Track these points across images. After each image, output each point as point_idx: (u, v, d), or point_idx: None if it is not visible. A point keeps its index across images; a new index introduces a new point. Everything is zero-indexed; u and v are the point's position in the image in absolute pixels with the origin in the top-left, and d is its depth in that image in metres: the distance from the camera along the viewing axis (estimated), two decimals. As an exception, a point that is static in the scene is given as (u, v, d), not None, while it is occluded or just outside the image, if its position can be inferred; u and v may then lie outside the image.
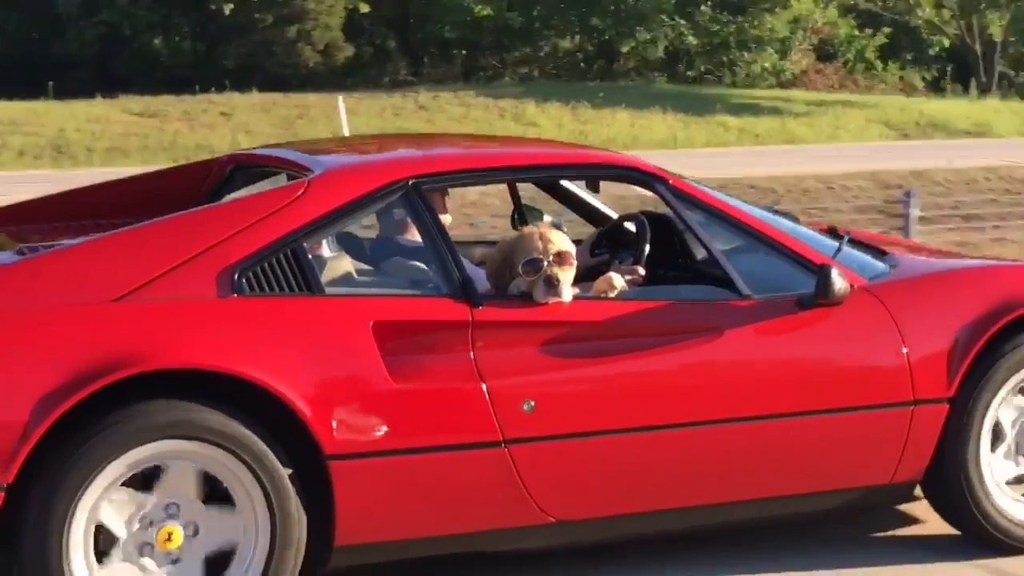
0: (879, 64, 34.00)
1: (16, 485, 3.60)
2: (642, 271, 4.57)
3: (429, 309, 4.03)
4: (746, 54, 30.84)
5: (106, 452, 3.66)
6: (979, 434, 4.45)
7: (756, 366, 4.24)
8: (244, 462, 3.78)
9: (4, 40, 27.12)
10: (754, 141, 22.44)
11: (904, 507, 4.86)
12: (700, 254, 4.61)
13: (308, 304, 3.95)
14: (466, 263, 4.24)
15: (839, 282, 4.25)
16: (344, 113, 6.87)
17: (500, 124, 21.89)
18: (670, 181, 4.45)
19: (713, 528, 4.47)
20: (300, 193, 4.08)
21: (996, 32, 32.93)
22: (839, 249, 4.57)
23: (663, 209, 4.67)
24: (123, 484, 3.73)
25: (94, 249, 3.94)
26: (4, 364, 3.65)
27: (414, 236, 4.42)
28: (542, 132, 21.35)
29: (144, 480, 3.78)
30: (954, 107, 26.32)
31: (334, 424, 3.83)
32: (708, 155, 19.82)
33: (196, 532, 3.82)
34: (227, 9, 26.91)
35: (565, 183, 5.37)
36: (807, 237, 4.60)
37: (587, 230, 5.36)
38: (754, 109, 24.88)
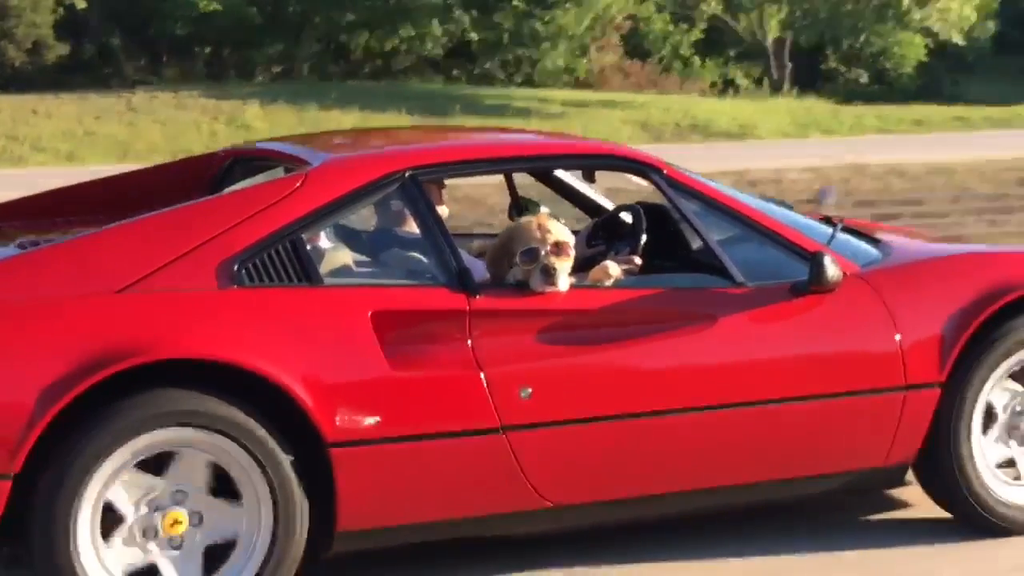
0: (697, 61, 32.26)
1: (24, 475, 3.73)
2: (638, 261, 4.69)
3: (427, 299, 4.15)
4: (527, 51, 28.80)
5: (110, 441, 3.79)
6: (971, 418, 4.58)
7: (750, 352, 4.36)
8: (247, 449, 3.90)
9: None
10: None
11: (895, 491, 4.98)
12: (695, 243, 4.71)
13: (307, 295, 4.06)
14: (463, 254, 4.35)
15: (832, 269, 4.38)
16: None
17: (209, 126, 21.05)
18: (665, 171, 4.56)
19: (708, 512, 4.59)
20: (298, 185, 4.19)
21: (774, 29, 31.18)
22: (832, 236, 4.70)
23: (659, 199, 4.80)
24: (135, 467, 3.87)
25: (96, 242, 4.05)
26: (8, 356, 3.77)
27: (411, 227, 4.52)
28: (253, 134, 20.36)
29: (156, 465, 3.92)
30: (726, 107, 25.27)
31: (334, 412, 3.95)
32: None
33: (200, 521, 3.95)
34: None
35: (561, 174, 5.48)
36: (801, 225, 4.72)
37: (584, 221, 5.51)
38: (504, 110, 23.77)
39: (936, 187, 15.81)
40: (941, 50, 32.75)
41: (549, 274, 4.26)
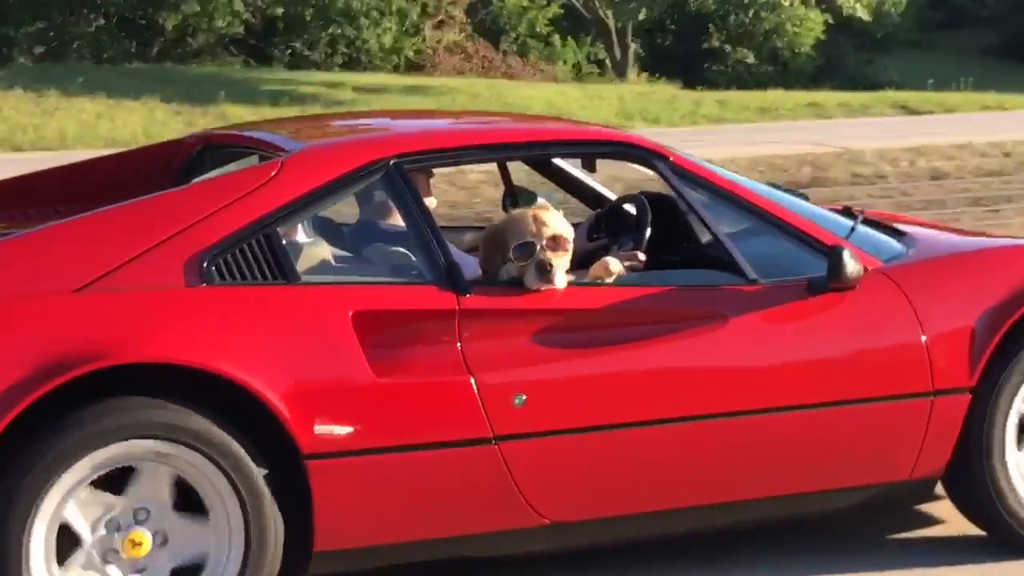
0: (558, 41, 30.98)
1: None
2: (643, 256, 4.58)
3: (413, 298, 4.04)
4: (341, 30, 27.34)
5: (66, 454, 3.66)
6: (1004, 426, 4.44)
7: (764, 356, 4.24)
8: (215, 463, 3.78)
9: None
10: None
11: (924, 506, 4.86)
12: (704, 237, 4.62)
13: (283, 293, 3.95)
14: (453, 249, 4.24)
15: (852, 264, 4.25)
16: None
17: None
18: (671, 159, 4.45)
19: (719, 529, 4.47)
20: (273, 174, 4.08)
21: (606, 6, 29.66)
22: (852, 229, 4.59)
23: (665, 189, 4.69)
24: (92, 484, 3.73)
25: (53, 236, 3.94)
26: None
27: (396, 220, 4.42)
28: None
29: (115, 481, 3.77)
30: (546, 94, 24.37)
31: (312, 421, 3.83)
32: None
33: (165, 542, 3.82)
34: None
35: (559, 162, 5.37)
36: (818, 217, 4.60)
37: (584, 213, 5.37)
38: (281, 97, 22.46)
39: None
40: (843, 27, 32.06)
41: (545, 270, 4.14)
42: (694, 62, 31.47)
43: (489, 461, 4.00)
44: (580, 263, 4.45)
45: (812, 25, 31.44)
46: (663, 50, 32.54)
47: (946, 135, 17.30)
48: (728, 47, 32.32)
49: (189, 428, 3.75)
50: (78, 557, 3.76)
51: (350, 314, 3.93)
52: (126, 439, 3.72)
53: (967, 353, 4.38)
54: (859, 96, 24.96)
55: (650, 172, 4.54)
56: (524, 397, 4.01)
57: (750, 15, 30.81)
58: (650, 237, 4.66)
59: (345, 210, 4.59)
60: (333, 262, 4.30)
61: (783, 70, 31.52)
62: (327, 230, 4.45)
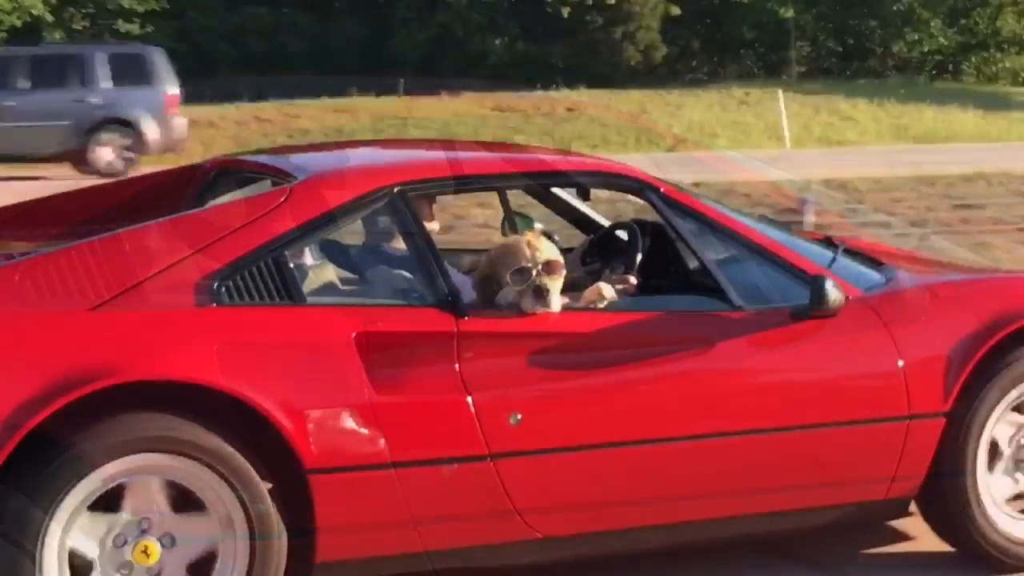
0: None
1: None
2: (634, 280, 4.53)
3: (414, 320, 3.98)
4: (999, 54, 32.71)
5: (81, 466, 3.60)
6: (976, 449, 4.39)
7: (749, 379, 4.19)
8: (223, 476, 3.72)
9: (337, 39, 28.22)
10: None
11: (897, 523, 4.79)
12: (692, 264, 4.56)
13: (290, 314, 3.89)
14: (453, 272, 4.19)
15: (834, 293, 4.20)
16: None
17: (816, 117, 23.46)
18: (661, 189, 4.40)
19: (703, 545, 4.40)
20: (282, 200, 4.02)
21: None
22: (834, 259, 4.54)
23: (655, 217, 4.63)
24: (89, 509, 3.66)
25: (70, 256, 3.87)
26: None
27: (399, 244, 4.36)
28: (863, 126, 23.45)
29: (108, 503, 3.70)
30: None
31: (315, 438, 3.77)
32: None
33: (173, 542, 3.75)
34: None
35: (555, 191, 5.31)
36: (801, 247, 4.55)
37: (578, 239, 5.32)
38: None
39: None
40: None
41: (541, 294, 4.08)
42: None
43: (485, 477, 3.93)
44: (573, 285, 4.39)
45: None
46: None
47: None
48: None
49: (198, 442, 3.69)
50: (105, 518, 3.67)
51: (353, 335, 3.87)
52: (136, 453, 3.65)
53: (942, 380, 4.32)
54: None
55: (641, 201, 4.49)
56: (519, 416, 3.95)
57: None
58: (641, 263, 4.61)
59: (351, 234, 4.55)
60: (338, 284, 4.24)
61: None
62: (333, 253, 4.40)
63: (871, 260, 4.86)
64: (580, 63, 29.22)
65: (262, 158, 4.83)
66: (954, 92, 27.47)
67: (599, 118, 22.84)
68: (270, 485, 3.77)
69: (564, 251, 4.44)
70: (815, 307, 4.21)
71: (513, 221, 5.25)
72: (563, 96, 25.56)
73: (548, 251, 4.19)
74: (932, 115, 24.46)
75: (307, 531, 3.82)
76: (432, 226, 4.52)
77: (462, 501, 3.95)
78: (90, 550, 3.68)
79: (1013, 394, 4.44)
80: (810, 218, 10.66)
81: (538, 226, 5.07)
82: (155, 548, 3.73)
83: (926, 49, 32.46)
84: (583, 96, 25.72)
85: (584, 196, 5.08)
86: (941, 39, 32.33)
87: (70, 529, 3.63)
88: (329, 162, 4.65)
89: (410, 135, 21.16)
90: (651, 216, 4.75)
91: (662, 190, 4.39)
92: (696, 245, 4.35)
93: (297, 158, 4.68)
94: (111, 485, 3.67)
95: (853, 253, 4.85)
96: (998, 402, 4.40)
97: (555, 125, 22.90)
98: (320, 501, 3.78)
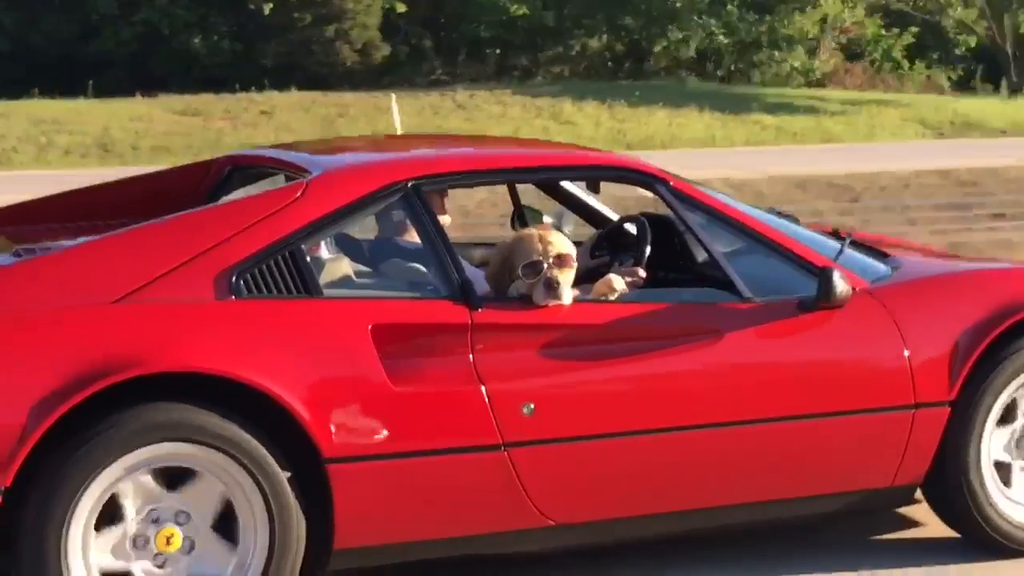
0: (906, 64, 33.80)
1: (14, 489, 3.58)
2: (643, 273, 4.55)
3: (428, 312, 4.01)
4: (776, 53, 30.77)
5: (105, 454, 3.64)
6: (980, 437, 4.42)
7: (757, 369, 4.22)
8: (242, 465, 3.76)
9: (41, 39, 27.12)
10: (791, 140, 22.12)
11: (904, 510, 4.84)
12: (701, 256, 4.59)
13: (306, 307, 3.93)
14: (465, 265, 4.22)
15: (841, 285, 4.23)
16: (397, 112, 6.88)
17: (538, 123, 21.85)
18: (671, 182, 4.43)
19: (713, 531, 4.45)
20: (298, 195, 4.06)
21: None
22: (841, 251, 4.56)
23: (664, 210, 4.66)
24: (153, 473, 3.73)
25: (92, 251, 3.92)
26: (2, 367, 3.62)
27: (413, 238, 4.41)
28: (580, 130, 21.42)
29: (169, 479, 3.77)
30: (987, 106, 25.92)
31: (333, 427, 3.81)
32: (747, 153, 19.66)
33: (191, 549, 3.80)
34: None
35: (565, 184, 5.35)
36: (809, 239, 4.58)
37: (588, 231, 5.35)
38: (788, 108, 24.66)
39: None
40: None
41: (552, 287, 4.12)
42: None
43: (498, 466, 3.97)
44: (583, 278, 4.42)
45: None
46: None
47: None
48: None
49: (218, 431, 3.73)
50: (114, 531, 3.73)
51: (369, 327, 3.90)
52: (158, 441, 3.69)
53: (947, 369, 4.35)
54: None
55: (650, 195, 4.52)
56: (532, 406, 3.99)
57: None
58: (650, 256, 4.63)
59: (365, 228, 4.57)
60: (354, 277, 4.27)
61: None
62: (348, 247, 4.43)
63: (877, 252, 4.90)
64: (293, 63, 27.02)
65: (277, 153, 4.85)
66: (709, 94, 25.70)
67: (288, 124, 21.09)
68: (289, 474, 3.81)
69: (572, 244, 4.46)
70: (822, 299, 4.24)
71: (523, 215, 5.27)
72: (265, 98, 23.53)
73: (560, 244, 4.23)
74: (663, 119, 22.90)
75: (325, 518, 3.86)
76: (444, 220, 4.54)
77: (476, 489, 3.99)
78: (119, 563, 3.73)
79: (1017, 382, 4.46)
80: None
81: (548, 220, 5.10)
82: (175, 531, 3.77)
83: (695, 48, 30.40)
84: (293, 97, 23.69)
85: (594, 190, 5.11)
86: (721, 37, 30.13)
87: (88, 541, 3.68)
88: (343, 157, 4.68)
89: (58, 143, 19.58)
90: (660, 209, 4.79)
91: (671, 183, 4.42)
92: (704, 237, 4.37)
93: (312, 153, 4.71)
94: (134, 473, 3.71)
95: (860, 245, 4.87)
96: (1003, 391, 4.43)
97: (234, 131, 20.96)
98: (337, 489, 3.82)
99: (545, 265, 4.14)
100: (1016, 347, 4.44)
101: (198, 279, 3.85)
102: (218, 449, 3.74)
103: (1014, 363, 4.43)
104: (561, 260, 4.17)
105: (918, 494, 4.56)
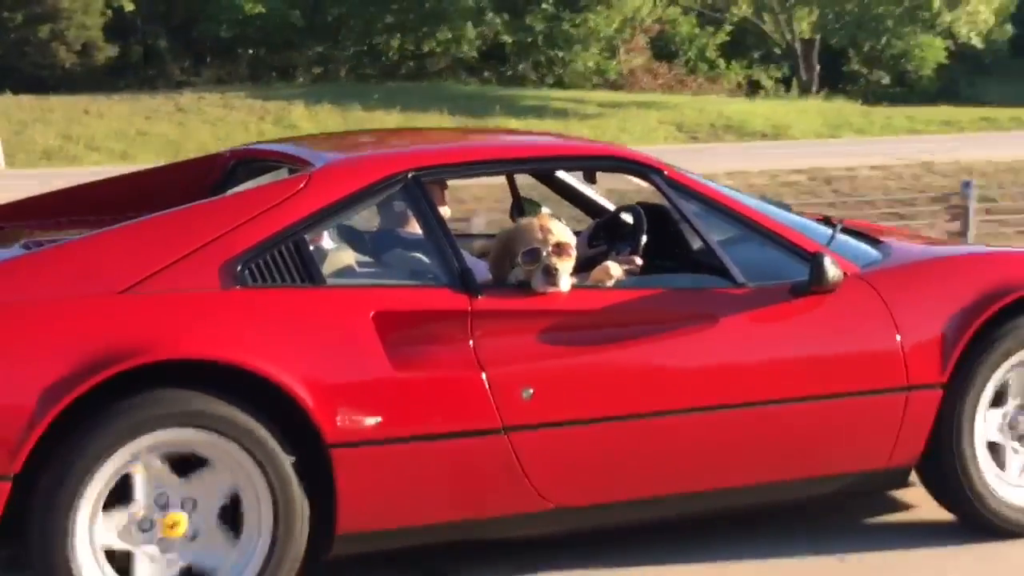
0: (722, 63, 32.52)
1: (23, 475, 3.64)
2: (639, 261, 4.60)
3: (429, 299, 4.06)
4: (559, 53, 29.00)
5: (110, 442, 3.69)
6: (972, 419, 4.47)
7: (751, 353, 4.26)
8: (247, 450, 3.81)
9: None
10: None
11: (898, 492, 4.88)
12: (696, 244, 4.64)
13: (310, 295, 3.98)
14: (465, 254, 4.27)
15: (832, 270, 4.28)
16: None
17: (256, 126, 21.12)
18: (666, 172, 4.48)
19: (710, 514, 4.48)
20: (302, 186, 4.11)
21: (805, 30, 31.14)
22: (832, 237, 4.60)
23: (659, 199, 4.70)
24: (167, 459, 3.78)
25: (99, 242, 3.97)
26: (10, 355, 3.68)
27: (414, 228, 4.45)
28: (298, 132, 20.66)
29: (181, 466, 3.82)
30: (759, 108, 25.20)
31: (336, 413, 3.86)
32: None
33: (194, 538, 3.85)
34: None
35: (562, 175, 5.40)
36: (801, 226, 4.63)
37: (585, 222, 5.39)
38: (542, 111, 23.63)
39: (1006, 184, 15.33)
40: (959, 52, 32.66)
41: (551, 274, 4.16)
42: (834, 82, 32.20)
43: (498, 450, 4.02)
44: (581, 267, 4.45)
45: (935, 51, 32.22)
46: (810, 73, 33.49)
47: None
48: (864, 69, 32.90)
49: (224, 417, 3.78)
50: (121, 512, 3.78)
51: (371, 314, 3.96)
52: (164, 428, 3.74)
53: (939, 352, 4.40)
54: (1019, 112, 25.34)
55: (646, 184, 4.57)
56: (531, 391, 4.04)
57: (882, 41, 31.48)
58: (646, 244, 4.69)
59: (367, 219, 4.61)
60: (356, 267, 4.32)
61: (909, 90, 32.06)
62: (350, 237, 4.48)
63: (868, 238, 4.94)
64: (7, 66, 25.21)
65: (280, 147, 4.90)
66: (461, 96, 24.66)
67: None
68: (293, 458, 3.86)
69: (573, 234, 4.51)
70: (815, 283, 4.29)
71: (521, 206, 5.32)
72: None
73: (559, 233, 4.27)
74: (393, 122, 21.88)
75: (328, 503, 3.91)
76: (444, 211, 4.59)
77: (476, 473, 4.04)
78: (125, 542, 3.79)
79: (1009, 363, 4.51)
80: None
81: (545, 210, 5.13)
82: (181, 517, 3.83)
83: (469, 48, 28.78)
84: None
85: (591, 180, 5.15)
86: (507, 37, 28.64)
87: (95, 526, 3.73)
88: (345, 150, 4.73)
89: None
90: (655, 199, 4.83)
91: (666, 172, 4.47)
92: (699, 225, 4.42)
93: (314, 147, 4.76)
94: (139, 459, 3.76)
95: (851, 231, 4.92)
96: (994, 372, 4.48)
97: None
98: (340, 474, 3.87)
99: (544, 253, 4.19)
100: (1007, 329, 4.48)
101: (203, 269, 3.90)
102: (222, 434, 3.79)
103: (1005, 345, 4.48)
104: (560, 248, 4.22)
105: (913, 476, 4.59)
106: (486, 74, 29.26)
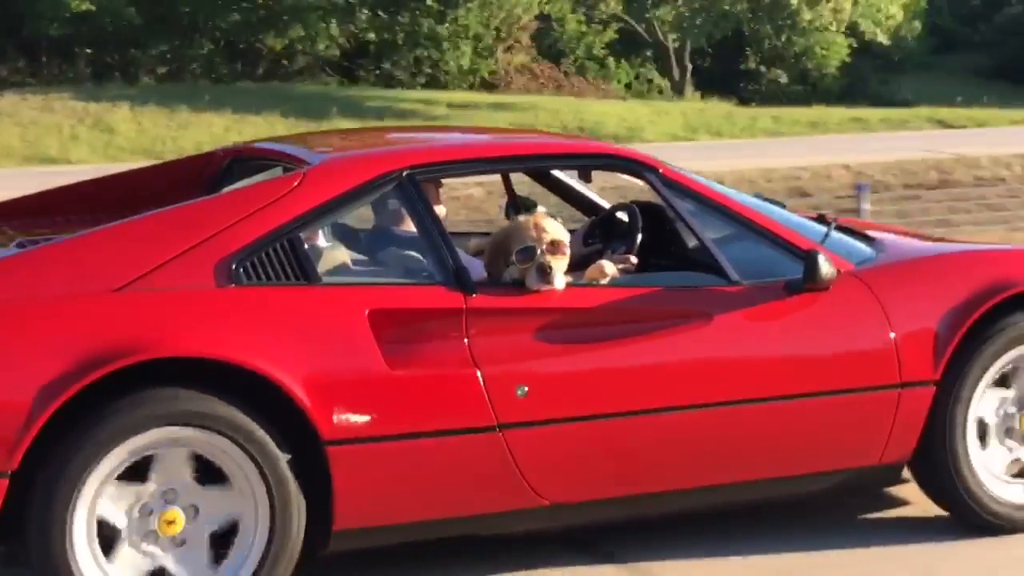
0: (612, 62, 31.32)
1: (20, 472, 3.64)
2: (634, 260, 4.61)
3: (424, 297, 4.07)
4: (426, 52, 27.96)
5: (107, 439, 3.70)
6: (965, 416, 4.48)
7: (745, 350, 4.28)
8: (244, 448, 3.82)
9: None
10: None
11: (892, 489, 4.89)
12: (691, 242, 4.63)
13: (305, 293, 3.98)
14: (460, 253, 4.27)
15: (826, 267, 4.29)
16: None
17: (71, 130, 20.15)
18: (661, 170, 4.48)
19: (703, 510, 4.49)
20: (296, 184, 4.11)
21: (670, 28, 30.01)
22: (826, 235, 4.62)
23: (654, 198, 4.70)
24: (117, 479, 3.76)
25: (94, 240, 3.97)
26: (6, 354, 3.68)
27: (409, 226, 4.44)
28: (112, 138, 19.94)
29: (137, 472, 3.80)
30: (617, 110, 24.38)
31: (331, 410, 3.86)
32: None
33: (197, 513, 3.85)
34: None
35: (558, 173, 5.40)
36: (795, 224, 4.64)
37: (580, 220, 5.39)
38: (384, 113, 22.73)
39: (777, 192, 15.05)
40: (864, 50, 32.10)
41: (545, 272, 4.17)
42: (732, 82, 31.51)
43: (493, 447, 4.03)
44: (576, 266, 4.46)
45: (838, 49, 31.66)
46: (703, 71, 32.62)
47: (992, 147, 17.39)
48: (763, 68, 32.45)
49: (222, 416, 3.78)
50: (121, 547, 3.79)
51: (366, 312, 3.96)
52: (161, 426, 3.75)
53: (932, 349, 4.41)
54: (896, 112, 24.94)
55: (641, 183, 4.57)
56: (526, 388, 4.04)
57: (782, 39, 30.91)
58: (641, 242, 4.69)
59: (362, 217, 4.61)
60: (351, 265, 4.33)
61: (812, 90, 31.58)
62: (345, 235, 4.48)
63: (862, 235, 4.95)
64: None
65: (275, 145, 4.91)
66: (299, 97, 23.23)
67: None
68: (288, 456, 3.87)
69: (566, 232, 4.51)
70: (808, 281, 4.30)
71: (516, 205, 5.32)
72: None
73: (554, 231, 4.28)
74: (220, 124, 20.75)
75: (325, 500, 3.91)
76: (439, 210, 4.59)
77: (472, 470, 4.05)
78: (118, 519, 3.79)
79: (1001, 361, 4.52)
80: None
81: (541, 209, 5.13)
82: (180, 517, 3.83)
83: (322, 48, 27.11)
84: None
85: (586, 178, 5.15)
86: (372, 35, 27.12)
87: (100, 496, 3.74)
88: (340, 148, 4.73)
89: None
90: (650, 198, 4.83)
91: (661, 171, 4.48)
92: (694, 223, 4.43)
93: (309, 145, 4.76)
94: (139, 457, 3.78)
95: (845, 229, 4.93)
96: (986, 369, 4.49)
97: None
98: (337, 471, 3.88)
99: (539, 251, 4.20)
100: (999, 327, 4.49)
101: (198, 267, 3.91)
102: (220, 433, 3.80)
103: (997, 342, 4.49)
104: (555, 246, 4.23)
105: (906, 473, 4.60)
106: (361, 74, 28.23)
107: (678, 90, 30.22)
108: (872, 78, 33.30)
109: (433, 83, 28.19)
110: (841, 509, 4.83)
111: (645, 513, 4.38)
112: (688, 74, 30.87)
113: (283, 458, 3.86)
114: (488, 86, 28.72)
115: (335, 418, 3.87)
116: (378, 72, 28.24)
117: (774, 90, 31.67)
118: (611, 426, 4.14)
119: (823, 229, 4.71)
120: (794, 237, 4.47)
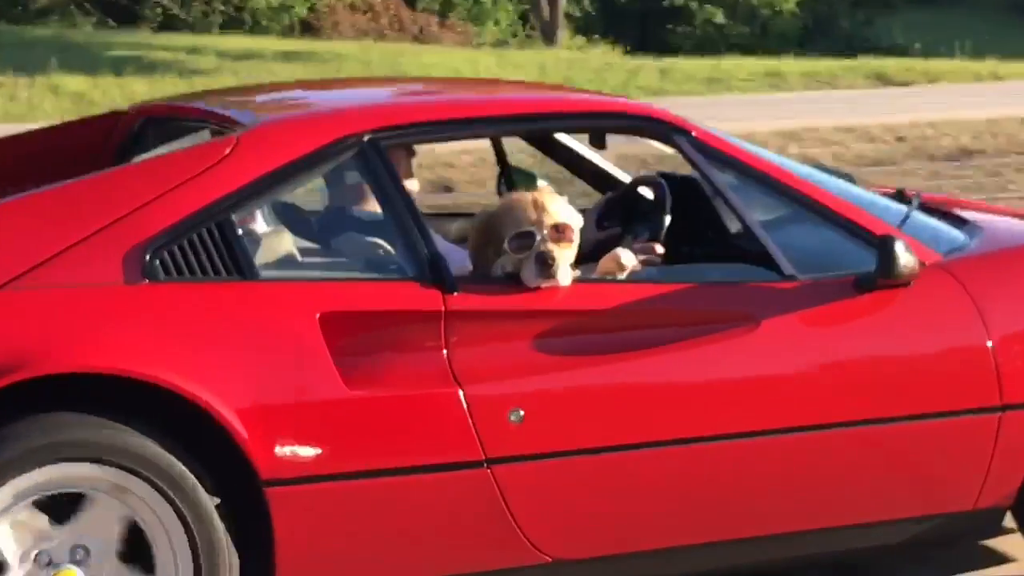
0: (488, 2, 31.47)
1: None
2: (660, 248, 4.64)
3: (391, 296, 4.09)
4: None
5: None
6: (1084, 447, 4.50)
7: (801, 365, 4.30)
8: (159, 489, 3.82)
9: None
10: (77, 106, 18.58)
11: (990, 541, 4.91)
12: (733, 226, 4.68)
13: (238, 291, 4.01)
14: (438, 240, 4.30)
15: (906, 257, 4.31)
16: None
17: None
18: (694, 133, 4.50)
19: (750, 569, 4.50)
20: (227, 152, 4.13)
21: None
22: (907, 216, 4.65)
23: (686, 169, 4.72)
24: (35, 504, 3.78)
25: None
26: None
27: (372, 206, 4.48)
28: None
29: (58, 509, 3.82)
30: (458, 60, 24.14)
31: (273, 442, 3.88)
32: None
33: None
34: None
35: (563, 137, 5.43)
36: (867, 203, 4.67)
37: (593, 197, 5.41)
38: (142, 65, 22.25)
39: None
40: None
41: (546, 264, 4.19)
42: (654, 23, 31.16)
43: (480, 488, 4.05)
44: (588, 255, 4.50)
45: None
46: (618, 9, 32.25)
47: (875, 115, 17.54)
48: (695, 5, 32.00)
49: (127, 448, 3.79)
50: None
51: (317, 316, 3.98)
52: (51, 463, 3.75)
53: None
54: (831, 64, 24.63)
55: (669, 149, 4.59)
56: (521, 413, 4.06)
57: None
58: (669, 226, 4.73)
59: (312, 194, 4.62)
60: (298, 255, 4.36)
61: (761, 32, 31.07)
62: (290, 218, 4.52)
63: (953, 217, 4.99)
64: None
65: (199, 103, 4.95)
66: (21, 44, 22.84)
67: None
68: (218, 500, 3.88)
69: (576, 213, 4.52)
70: (884, 274, 4.32)
71: (511, 178, 5.34)
72: None
73: (558, 212, 4.30)
74: None
75: (263, 555, 3.92)
76: (411, 184, 4.61)
77: (452, 517, 4.07)
78: (8, 552, 3.79)
79: None
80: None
81: (542, 183, 5.16)
82: (73, 573, 3.82)
83: None
84: None
85: (599, 144, 5.17)
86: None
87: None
88: (284, 106, 4.75)
89: None
90: (681, 168, 4.85)
91: (694, 134, 4.50)
92: (737, 202, 4.45)
93: (244, 102, 4.78)
94: (26, 499, 3.77)
95: (931, 209, 4.97)
96: None
97: None
98: (279, 519, 3.89)
99: (538, 237, 4.22)
100: None
101: (102, 258, 3.93)
102: (127, 470, 3.80)
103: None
104: (559, 231, 4.25)
105: (1009, 522, 4.62)
106: (147, 14, 28.17)
107: (548, 34, 29.68)
108: (847, 17, 32.75)
109: (233, 25, 28.03)
110: (925, 569, 4.85)
111: (672, 572, 4.39)
112: (559, 14, 30.17)
113: (210, 502, 3.87)
114: (310, 29, 28.58)
115: (277, 451, 3.89)
116: (161, 12, 28.12)
117: (712, 35, 31.23)
118: (628, 461, 4.16)
119: (903, 209, 4.74)
120: (865, 219, 4.49)
